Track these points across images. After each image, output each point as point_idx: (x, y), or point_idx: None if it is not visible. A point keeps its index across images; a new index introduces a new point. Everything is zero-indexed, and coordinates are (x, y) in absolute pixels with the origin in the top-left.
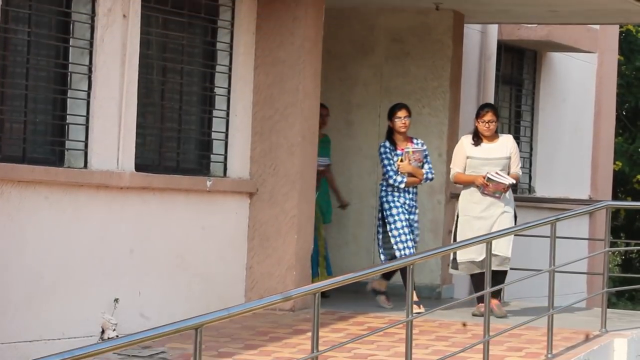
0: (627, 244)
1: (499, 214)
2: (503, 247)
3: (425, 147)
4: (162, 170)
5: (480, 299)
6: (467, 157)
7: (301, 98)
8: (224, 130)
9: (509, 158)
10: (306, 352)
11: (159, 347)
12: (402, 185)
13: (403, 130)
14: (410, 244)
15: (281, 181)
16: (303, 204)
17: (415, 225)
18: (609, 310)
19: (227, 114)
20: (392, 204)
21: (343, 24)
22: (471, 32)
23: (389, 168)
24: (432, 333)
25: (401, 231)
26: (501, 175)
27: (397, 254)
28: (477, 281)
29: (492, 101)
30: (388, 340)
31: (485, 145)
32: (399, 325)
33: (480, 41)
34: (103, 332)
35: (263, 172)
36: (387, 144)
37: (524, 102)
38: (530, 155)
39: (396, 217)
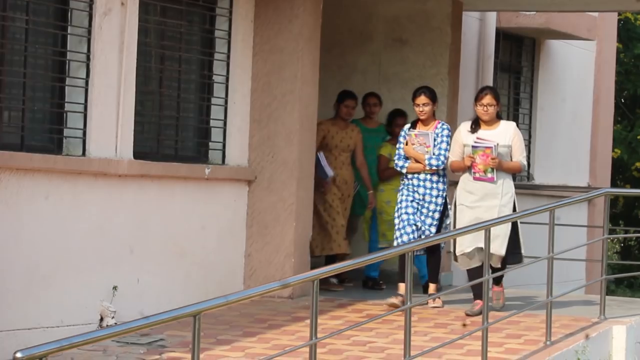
0: (626, 232)
1: (493, 206)
2: (497, 245)
3: (442, 132)
4: (161, 157)
5: (477, 296)
6: (464, 145)
7: (299, 86)
8: (223, 117)
9: (509, 146)
10: (305, 339)
11: (157, 334)
12: (404, 171)
13: (423, 117)
14: (408, 229)
15: (279, 168)
16: (301, 192)
17: (430, 214)
18: (607, 297)
19: (226, 102)
20: (402, 190)
21: (341, 12)
22: (470, 19)
23: (396, 152)
24: (431, 320)
25: (403, 217)
26: (485, 140)
27: (395, 242)
28: (473, 277)
29: None
30: (387, 328)
31: (483, 132)
32: (398, 313)
33: (479, 29)
34: (102, 319)
35: (261, 160)
36: (407, 127)
37: (523, 89)
38: (529, 142)
39: (401, 205)
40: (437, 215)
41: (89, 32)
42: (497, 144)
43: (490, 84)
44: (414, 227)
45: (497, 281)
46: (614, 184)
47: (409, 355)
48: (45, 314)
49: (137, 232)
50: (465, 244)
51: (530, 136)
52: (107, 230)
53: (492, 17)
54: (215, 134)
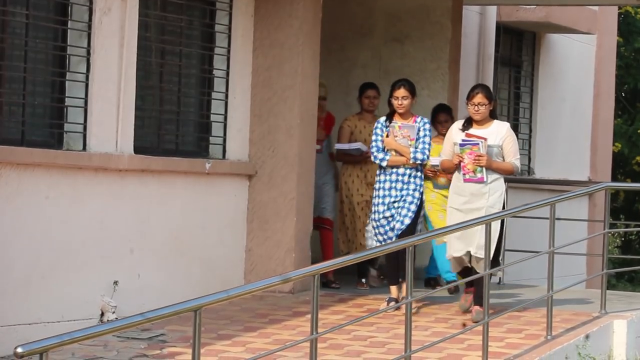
0: (627, 226)
1: (480, 208)
2: (483, 248)
3: (424, 126)
4: (161, 152)
5: (467, 289)
6: (454, 144)
7: (300, 80)
8: (223, 112)
9: (500, 147)
10: (306, 334)
11: (158, 329)
12: (384, 164)
13: (401, 111)
14: (382, 230)
15: (280, 163)
16: (302, 186)
17: (406, 205)
18: (608, 291)
19: (226, 96)
20: (378, 190)
21: (342, 6)
22: (470, 13)
23: (373, 144)
24: (431, 315)
25: (380, 215)
26: (472, 137)
27: (368, 242)
28: (465, 275)
29: (490, 83)
30: (387, 322)
31: (474, 130)
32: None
33: (479, 23)
34: (102, 314)
35: (262, 154)
36: (382, 119)
37: (523, 83)
38: (530, 136)
39: (377, 208)
40: (413, 207)
41: (89, 27)
42: (485, 140)
43: (491, 78)
44: (391, 226)
45: (479, 299)
46: (614, 178)
47: (409, 349)
48: (45, 309)
49: (138, 227)
50: (455, 248)
51: (530, 130)
52: (108, 225)
53: (492, 11)
54: (216, 129)
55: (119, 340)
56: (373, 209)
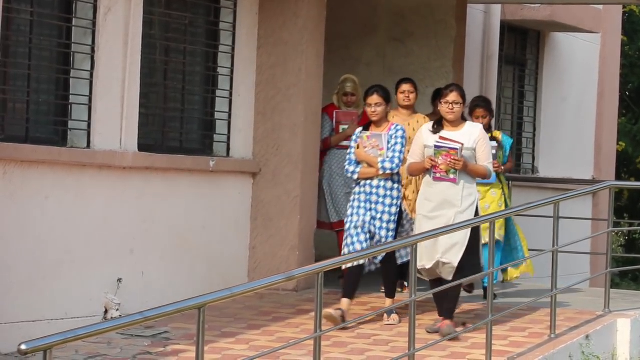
0: (631, 224)
1: (450, 216)
2: (452, 255)
3: (397, 134)
4: (165, 150)
5: (445, 313)
6: (425, 146)
7: (304, 78)
8: (227, 110)
9: (473, 149)
10: (309, 332)
11: (162, 327)
12: (355, 177)
13: (374, 118)
14: (357, 246)
15: (284, 161)
16: (306, 184)
17: (384, 225)
18: (612, 290)
19: (230, 94)
20: (352, 202)
21: (346, 4)
22: (474, 12)
23: (347, 157)
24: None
25: (352, 225)
26: (449, 140)
27: (345, 249)
28: (437, 293)
29: (495, 81)
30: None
31: (445, 133)
32: (402, 306)
33: (484, 21)
34: (106, 312)
35: (266, 153)
36: (359, 130)
37: (527, 82)
38: (534, 135)
39: (352, 217)
40: (392, 225)
41: (94, 24)
42: (463, 145)
43: (495, 76)
44: (367, 236)
45: (449, 310)
46: (618, 177)
47: (413, 348)
48: (49, 306)
49: (142, 225)
50: (425, 259)
51: (534, 129)
52: (112, 223)
53: (496, 10)
54: (220, 127)
55: (123, 337)
56: (346, 219)
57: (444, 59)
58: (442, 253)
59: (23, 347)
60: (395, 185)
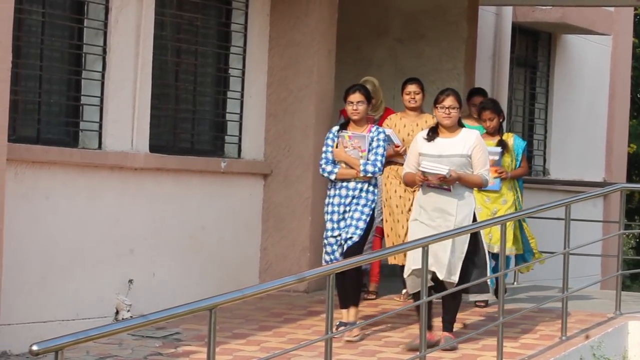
0: None
1: (445, 227)
2: (445, 270)
3: (379, 136)
4: (177, 151)
5: (430, 325)
6: (420, 154)
7: (315, 80)
8: (239, 111)
9: (469, 156)
10: (320, 334)
11: (173, 328)
12: (332, 177)
13: (355, 117)
14: (330, 249)
15: (295, 162)
16: (317, 186)
17: (353, 222)
18: (623, 292)
19: (242, 96)
20: (327, 199)
21: (357, 6)
22: (486, 13)
23: (322, 155)
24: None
25: (328, 233)
26: (435, 166)
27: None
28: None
29: (506, 83)
30: (402, 322)
31: (440, 139)
32: (413, 307)
33: (495, 23)
34: (117, 313)
35: (277, 154)
36: (335, 129)
37: (539, 84)
38: (545, 137)
39: (326, 225)
40: (362, 224)
41: (105, 25)
42: (449, 171)
43: (506, 78)
44: (338, 247)
45: (448, 323)
46: (629, 179)
47: (424, 349)
48: (61, 307)
49: (153, 226)
50: (412, 262)
51: (545, 131)
52: (123, 224)
53: (508, 12)
54: (231, 128)
55: (134, 338)
56: (325, 217)
57: (455, 60)
58: (448, 273)
59: (34, 347)
60: (371, 188)
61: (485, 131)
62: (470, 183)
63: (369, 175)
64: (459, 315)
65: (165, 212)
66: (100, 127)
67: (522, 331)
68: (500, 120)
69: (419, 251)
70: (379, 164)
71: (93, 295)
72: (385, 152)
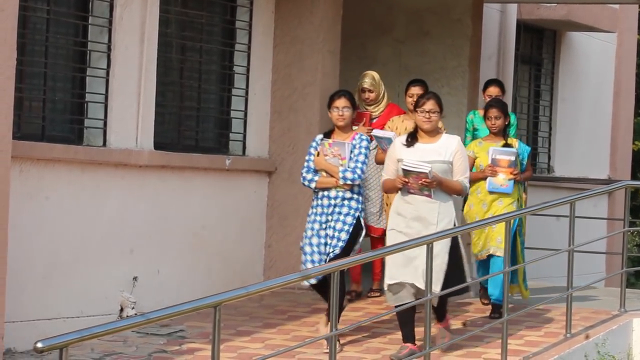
0: None
1: (424, 233)
2: (433, 284)
3: (361, 143)
4: (181, 148)
5: (407, 338)
6: (398, 160)
7: (320, 77)
8: (243, 109)
9: (450, 162)
10: (325, 331)
11: (177, 325)
12: (312, 185)
13: (341, 123)
14: (316, 257)
15: (300, 160)
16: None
17: (335, 234)
18: (627, 290)
19: (246, 93)
20: (310, 209)
21: (362, 3)
22: (490, 11)
23: (305, 164)
24: (450, 312)
25: (307, 241)
26: (417, 164)
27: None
28: (402, 319)
29: (511, 81)
30: None
31: (420, 145)
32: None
33: (500, 20)
34: (122, 310)
35: (282, 151)
36: (319, 137)
37: (543, 81)
38: (549, 135)
39: (306, 233)
40: (344, 235)
41: (110, 23)
42: (431, 170)
43: (511, 76)
44: (320, 257)
45: (440, 315)
46: (634, 177)
47: (428, 347)
48: (65, 304)
49: (158, 223)
50: (389, 277)
51: (550, 128)
52: (128, 221)
53: (513, 9)
54: (236, 125)
55: (139, 336)
56: (304, 233)
57: (460, 58)
58: (419, 278)
59: (39, 345)
60: (355, 196)
61: (489, 132)
62: (451, 189)
63: (349, 182)
64: (459, 316)
65: (169, 209)
66: (105, 124)
67: (526, 328)
68: (505, 120)
69: (397, 264)
70: (358, 171)
71: (97, 293)
72: (366, 160)
